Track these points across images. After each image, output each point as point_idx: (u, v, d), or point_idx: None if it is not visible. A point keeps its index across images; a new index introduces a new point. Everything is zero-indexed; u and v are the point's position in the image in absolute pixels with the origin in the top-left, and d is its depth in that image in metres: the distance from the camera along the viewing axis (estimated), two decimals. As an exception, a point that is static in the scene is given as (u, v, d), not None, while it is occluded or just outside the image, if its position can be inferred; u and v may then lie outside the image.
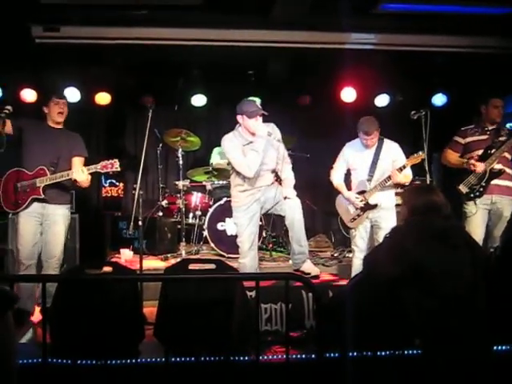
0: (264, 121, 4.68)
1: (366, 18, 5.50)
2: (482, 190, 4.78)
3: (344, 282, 4.86)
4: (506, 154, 4.85)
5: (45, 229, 4.43)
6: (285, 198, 4.69)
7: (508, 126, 6.66)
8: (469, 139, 4.98)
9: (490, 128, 4.92)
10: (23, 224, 4.36)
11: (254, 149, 4.56)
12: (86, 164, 4.53)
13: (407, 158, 4.68)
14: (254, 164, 4.56)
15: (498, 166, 4.79)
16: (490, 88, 6.17)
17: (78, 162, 4.55)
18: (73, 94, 6.64)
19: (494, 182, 4.80)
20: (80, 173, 4.34)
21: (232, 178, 4.88)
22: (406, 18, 5.51)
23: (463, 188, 4.84)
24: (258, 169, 4.59)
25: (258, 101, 4.55)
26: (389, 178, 4.65)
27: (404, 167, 4.61)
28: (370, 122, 4.70)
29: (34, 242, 4.38)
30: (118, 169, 4.38)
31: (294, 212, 4.69)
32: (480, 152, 4.85)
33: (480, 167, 4.76)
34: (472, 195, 4.81)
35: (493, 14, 5.39)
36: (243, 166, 4.60)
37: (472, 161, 4.81)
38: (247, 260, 4.69)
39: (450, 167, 5.08)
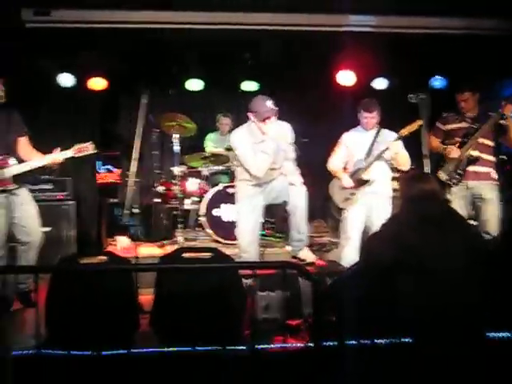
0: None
1: (363, 0, 5.41)
2: (458, 177, 4.79)
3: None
4: (486, 141, 4.83)
5: (19, 214, 4.23)
6: (290, 184, 4.63)
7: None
8: (449, 126, 4.98)
9: (471, 115, 4.88)
10: None
11: (265, 151, 4.47)
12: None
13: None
14: (263, 166, 4.49)
15: (474, 153, 4.78)
16: (488, 71, 6.11)
17: (24, 142, 4.34)
18: (67, 79, 6.57)
19: (472, 168, 4.78)
20: (55, 158, 4.24)
21: (239, 171, 4.78)
22: (404, 0, 5.43)
23: (441, 175, 4.83)
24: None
25: (269, 101, 4.42)
26: (385, 149, 4.64)
27: (402, 135, 4.62)
28: (372, 101, 4.82)
29: (5, 231, 4.20)
30: (94, 151, 4.34)
31: (297, 199, 4.63)
32: (459, 139, 4.86)
33: (454, 152, 4.77)
34: (449, 182, 4.80)
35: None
36: (252, 166, 4.52)
37: (448, 147, 4.84)
38: (248, 255, 4.55)
39: (432, 152, 5.04)
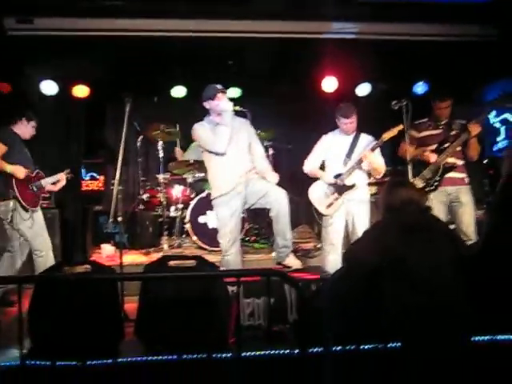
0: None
1: (346, 7, 5.46)
2: (436, 184, 4.84)
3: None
4: (458, 147, 4.89)
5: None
6: (267, 181, 4.68)
7: (492, 114, 6.75)
8: (423, 133, 5.02)
9: (443, 122, 4.95)
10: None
11: (222, 123, 4.54)
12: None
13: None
14: (223, 136, 4.53)
15: (451, 160, 4.85)
16: (468, 77, 6.19)
17: None
18: (50, 87, 6.53)
19: (448, 174, 4.85)
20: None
21: (211, 170, 4.82)
22: (387, 7, 5.48)
23: (418, 182, 4.86)
24: (227, 146, 4.57)
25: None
26: (361, 160, 4.66)
27: (381, 141, 4.65)
28: (349, 106, 4.78)
29: None
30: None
31: (279, 204, 4.63)
32: (434, 147, 4.91)
33: (433, 157, 4.83)
34: (427, 189, 4.84)
35: (472, 3, 5.39)
36: (215, 143, 4.57)
37: (426, 152, 4.88)
38: (231, 257, 4.59)
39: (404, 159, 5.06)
